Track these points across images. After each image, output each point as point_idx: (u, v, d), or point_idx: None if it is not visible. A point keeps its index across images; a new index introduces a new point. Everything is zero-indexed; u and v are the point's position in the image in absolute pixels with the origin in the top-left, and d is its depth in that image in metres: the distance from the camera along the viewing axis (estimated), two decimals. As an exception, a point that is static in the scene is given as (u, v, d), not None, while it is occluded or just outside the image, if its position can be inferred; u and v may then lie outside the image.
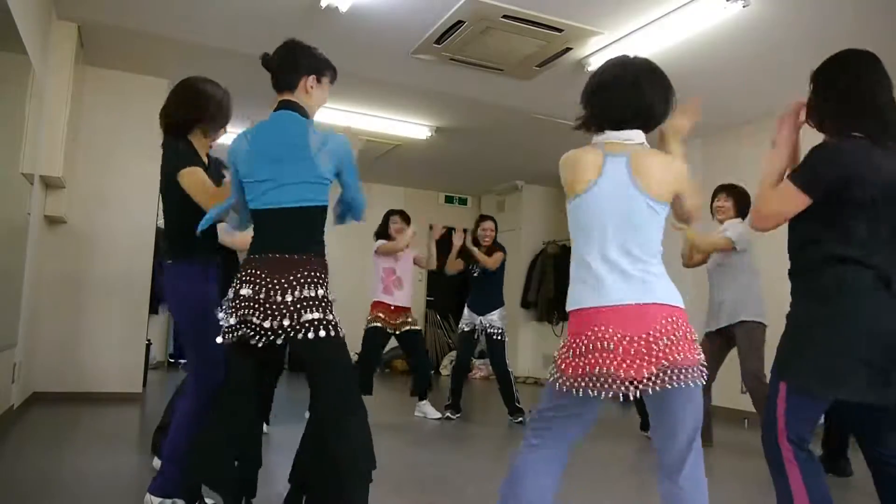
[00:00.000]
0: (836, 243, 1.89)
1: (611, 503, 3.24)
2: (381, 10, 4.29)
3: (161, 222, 3.15)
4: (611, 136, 1.77)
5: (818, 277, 1.92)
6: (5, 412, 3.83)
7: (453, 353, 9.48)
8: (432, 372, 9.09)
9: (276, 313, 2.08)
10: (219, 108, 2.55)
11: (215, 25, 4.65)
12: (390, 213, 5.33)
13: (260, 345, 2.13)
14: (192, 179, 2.42)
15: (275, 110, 2.24)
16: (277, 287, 2.09)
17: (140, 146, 5.28)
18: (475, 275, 5.33)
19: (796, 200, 1.92)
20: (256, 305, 2.10)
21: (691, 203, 1.81)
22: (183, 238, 2.48)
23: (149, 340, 6.03)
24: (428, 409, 5.26)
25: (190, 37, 4.85)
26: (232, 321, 2.16)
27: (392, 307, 5.10)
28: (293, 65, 2.24)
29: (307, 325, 2.08)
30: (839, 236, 1.90)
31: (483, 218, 5.50)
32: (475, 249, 5.22)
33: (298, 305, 2.08)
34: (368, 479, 2.13)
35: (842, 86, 1.96)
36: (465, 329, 5.31)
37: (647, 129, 1.80)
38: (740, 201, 4.33)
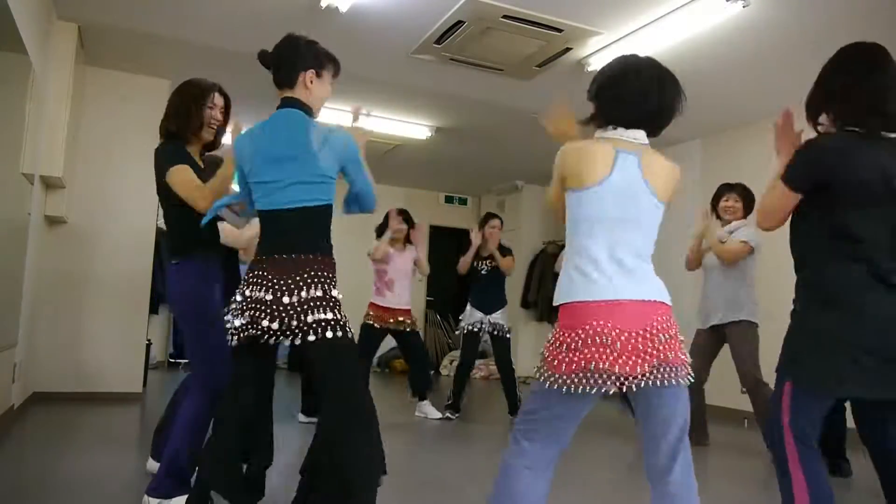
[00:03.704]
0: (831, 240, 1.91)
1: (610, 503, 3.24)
2: (381, 10, 4.29)
3: (161, 222, 3.17)
4: (619, 133, 1.74)
5: (819, 275, 1.93)
6: (5, 412, 3.83)
7: (454, 353, 9.48)
8: (432, 372, 9.12)
9: (284, 315, 2.06)
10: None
11: (215, 25, 4.64)
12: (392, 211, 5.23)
13: (271, 342, 2.12)
14: (180, 178, 2.43)
15: (277, 108, 2.21)
16: (284, 288, 2.07)
17: (140, 146, 5.24)
18: (482, 273, 5.30)
19: (788, 198, 1.97)
20: (264, 307, 2.08)
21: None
22: (182, 237, 2.51)
23: (149, 340, 6.02)
24: (428, 410, 5.26)
25: (190, 37, 4.84)
26: (238, 322, 2.13)
27: (383, 308, 5.12)
28: (291, 61, 2.19)
29: (314, 325, 2.06)
30: (833, 233, 1.91)
31: (490, 216, 5.44)
32: (498, 253, 5.21)
33: (305, 306, 2.06)
34: (375, 485, 2.10)
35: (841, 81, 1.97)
36: (473, 329, 5.24)
37: (654, 133, 1.77)
38: (748, 203, 4.35)
